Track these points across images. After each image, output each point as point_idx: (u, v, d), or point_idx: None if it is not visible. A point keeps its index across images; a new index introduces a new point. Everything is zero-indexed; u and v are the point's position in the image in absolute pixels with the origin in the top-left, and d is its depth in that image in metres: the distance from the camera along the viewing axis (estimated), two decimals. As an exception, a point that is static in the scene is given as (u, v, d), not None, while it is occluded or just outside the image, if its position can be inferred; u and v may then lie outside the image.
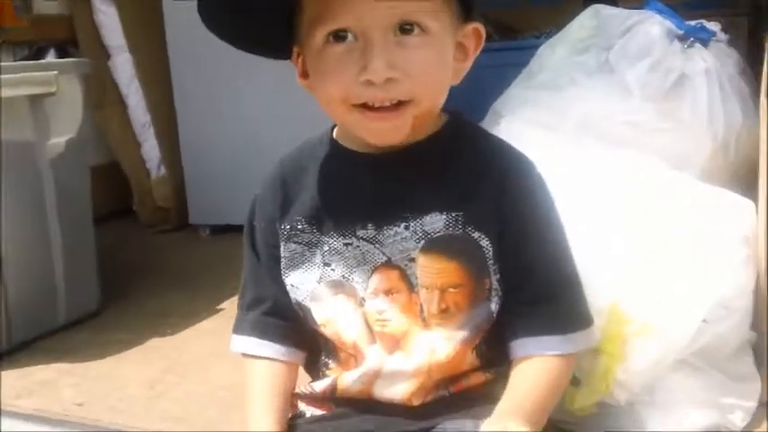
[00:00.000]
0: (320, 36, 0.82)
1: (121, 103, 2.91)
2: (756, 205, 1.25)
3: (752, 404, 1.18)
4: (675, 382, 1.11)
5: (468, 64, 0.91)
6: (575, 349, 0.89)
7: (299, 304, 0.93)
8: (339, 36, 0.81)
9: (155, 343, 1.75)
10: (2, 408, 1.44)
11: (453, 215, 0.86)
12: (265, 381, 0.95)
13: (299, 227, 0.92)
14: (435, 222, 0.86)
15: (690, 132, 1.51)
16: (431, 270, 0.87)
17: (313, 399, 0.94)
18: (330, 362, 0.95)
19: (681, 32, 1.60)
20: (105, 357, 1.67)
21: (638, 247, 1.15)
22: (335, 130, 0.95)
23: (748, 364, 1.23)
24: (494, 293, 0.88)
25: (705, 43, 1.62)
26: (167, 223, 2.90)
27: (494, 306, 0.88)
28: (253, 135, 2.63)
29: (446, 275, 0.87)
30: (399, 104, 0.82)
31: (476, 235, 0.87)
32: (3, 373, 1.61)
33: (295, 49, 0.89)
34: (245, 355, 0.98)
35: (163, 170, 2.91)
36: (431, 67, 0.83)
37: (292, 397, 0.96)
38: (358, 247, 0.89)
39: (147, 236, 2.86)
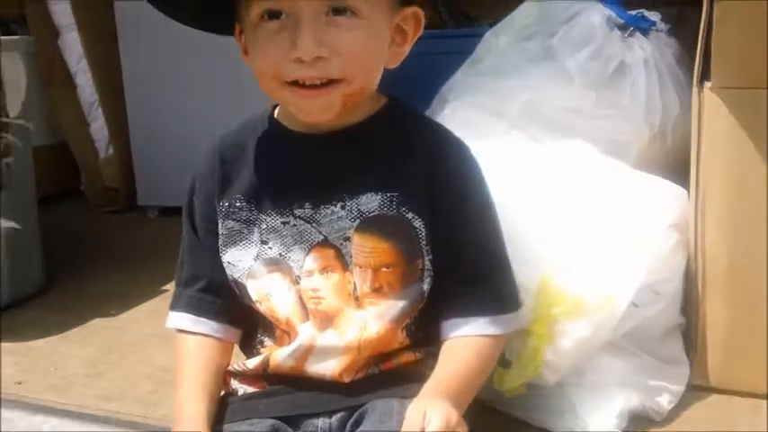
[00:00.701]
0: (255, 13, 0.83)
1: (70, 83, 2.86)
2: (689, 193, 1.28)
3: (679, 387, 1.22)
4: (604, 364, 1.14)
5: (407, 48, 0.92)
6: (503, 331, 0.91)
7: (235, 281, 0.94)
8: (273, 14, 0.82)
9: (97, 323, 1.73)
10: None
11: (388, 195, 0.88)
12: (198, 357, 0.96)
13: (238, 204, 0.93)
14: (370, 202, 0.88)
15: (628, 119, 1.54)
16: (365, 249, 0.89)
17: (246, 376, 0.95)
18: (266, 339, 0.96)
19: (621, 21, 1.63)
20: (47, 337, 1.66)
21: (571, 229, 1.18)
22: (276, 109, 0.96)
23: (677, 348, 1.27)
24: (426, 274, 0.90)
25: (645, 33, 1.65)
26: (115, 204, 2.86)
27: (425, 286, 0.90)
28: (202, 117, 2.60)
29: (380, 255, 0.88)
30: (330, 83, 0.83)
31: (409, 216, 0.88)
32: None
33: (237, 26, 0.90)
34: (179, 331, 0.98)
35: (111, 150, 2.87)
36: (361, 48, 0.84)
37: (225, 374, 0.97)
38: (295, 225, 0.90)
39: (95, 216, 2.81)
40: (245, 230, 0.93)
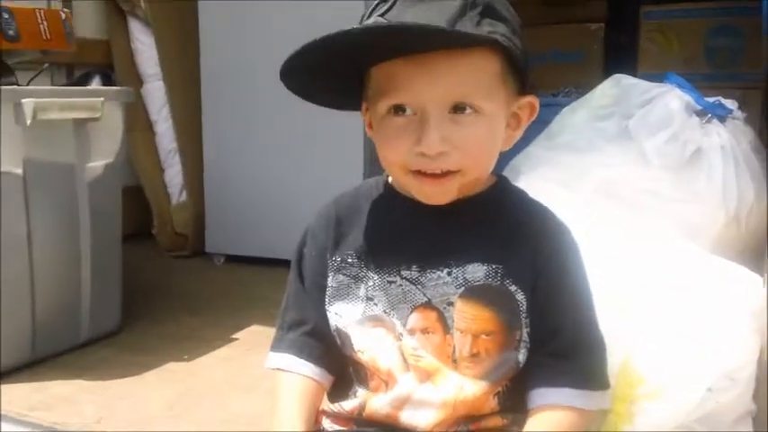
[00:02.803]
0: (383, 106, 0.90)
1: (150, 129, 3.00)
2: (764, 280, 1.31)
3: (747, 472, 1.23)
4: (678, 445, 1.16)
5: (520, 132, 0.99)
6: (591, 406, 0.94)
7: (338, 331, 0.99)
8: (400, 108, 0.89)
9: (172, 366, 1.80)
10: (15, 418, 1.50)
11: (493, 267, 0.93)
12: (298, 393, 1.00)
13: (350, 260, 0.99)
14: (476, 272, 0.93)
15: (704, 204, 1.57)
16: (467, 315, 0.93)
17: (338, 417, 0.99)
18: (359, 390, 1.00)
19: (699, 108, 1.68)
20: (124, 377, 1.73)
21: (650, 313, 1.21)
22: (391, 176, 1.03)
23: (747, 432, 1.28)
24: (522, 345, 0.94)
25: (722, 119, 1.69)
26: (184, 249, 2.97)
27: (521, 356, 0.94)
28: (275, 171, 2.71)
29: (481, 322, 0.93)
30: (448, 173, 0.90)
31: (512, 288, 0.93)
32: (21, 385, 1.67)
33: (364, 105, 0.98)
34: (279, 370, 1.03)
35: (184, 197, 2.98)
36: (480, 143, 0.91)
37: (318, 414, 1.01)
38: (401, 285, 0.96)
39: (164, 259, 2.93)
40: (354, 286, 0.99)
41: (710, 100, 1.71)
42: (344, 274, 0.99)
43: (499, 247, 0.94)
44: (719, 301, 1.26)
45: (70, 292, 1.86)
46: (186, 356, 1.85)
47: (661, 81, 1.78)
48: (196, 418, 1.52)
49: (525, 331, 0.94)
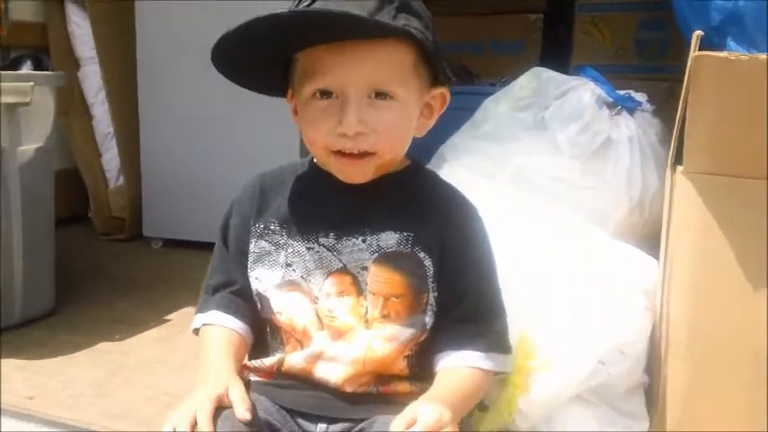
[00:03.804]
0: (308, 90, 0.99)
1: (87, 113, 3.00)
2: (659, 262, 1.41)
3: (639, 440, 1.33)
4: (571, 414, 1.25)
5: (433, 121, 1.09)
6: (494, 368, 1.03)
7: (259, 295, 1.07)
8: (325, 93, 0.98)
9: (103, 347, 1.84)
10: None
11: (405, 235, 1.02)
12: (225, 343, 1.05)
13: (272, 227, 1.07)
14: (389, 239, 1.02)
15: (610, 191, 1.67)
16: (379, 279, 1.02)
17: (260, 371, 1.06)
18: (278, 352, 1.07)
19: (610, 100, 1.77)
20: (56, 356, 1.76)
21: (550, 290, 1.30)
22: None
23: (639, 403, 1.37)
24: (429, 308, 1.03)
25: (631, 111, 1.79)
26: (121, 233, 2.98)
27: (428, 319, 1.03)
28: (212, 155, 2.74)
29: (391, 285, 1.02)
30: (366, 154, 0.99)
31: (421, 255, 1.02)
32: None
33: (290, 90, 1.06)
34: (205, 325, 1.08)
35: (121, 181, 2.99)
36: (395, 127, 1.00)
37: (242, 367, 1.07)
38: (318, 252, 1.04)
39: (100, 243, 2.94)
40: (274, 252, 1.06)
41: (621, 93, 1.80)
42: (266, 241, 1.07)
43: (411, 218, 1.03)
44: (615, 281, 1.36)
45: (2, 276, 1.88)
46: (118, 336, 1.89)
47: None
48: (123, 395, 1.57)
49: (432, 295, 1.03)
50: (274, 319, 1.06)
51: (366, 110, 0.97)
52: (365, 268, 1.02)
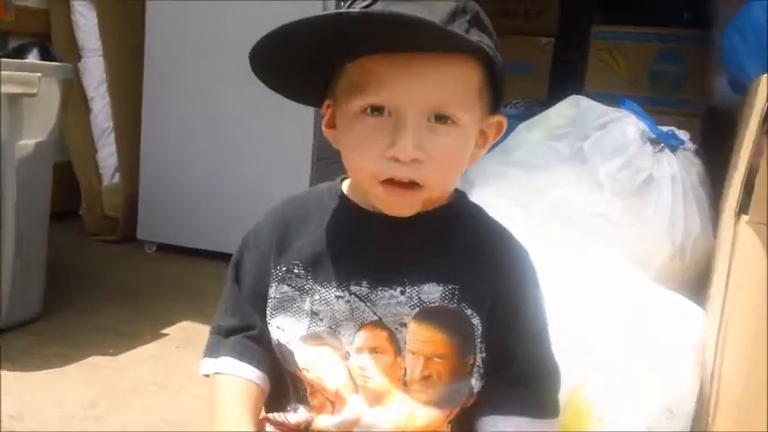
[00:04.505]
0: (357, 105, 0.84)
1: (85, 106, 2.88)
2: (705, 312, 1.32)
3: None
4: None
5: (485, 151, 0.95)
6: None
7: (280, 346, 0.94)
8: (375, 109, 0.84)
9: (95, 361, 1.71)
10: None
11: (450, 288, 0.89)
12: (241, 395, 0.93)
13: (296, 271, 0.93)
14: (432, 292, 0.89)
15: (651, 231, 1.58)
16: (420, 337, 0.89)
17: (283, 427, 0.94)
18: (300, 407, 0.94)
19: (653, 136, 1.69)
20: (44, 369, 1.63)
21: (597, 335, 1.20)
22: (345, 184, 0.98)
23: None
24: (476, 370, 0.91)
25: (674, 149, 1.71)
26: (112, 234, 2.85)
27: (474, 382, 0.91)
28: (217, 159, 2.63)
29: (433, 345, 0.89)
30: (414, 185, 0.85)
31: (469, 312, 0.89)
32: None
33: (327, 101, 0.92)
34: (217, 374, 0.96)
35: (116, 178, 2.87)
36: (453, 156, 0.87)
37: (261, 420, 0.95)
38: (348, 301, 0.90)
39: (90, 243, 2.80)
40: (298, 299, 0.93)
41: (664, 129, 1.72)
42: (289, 285, 0.94)
43: (455, 266, 0.90)
44: (664, 332, 1.26)
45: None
46: (111, 350, 1.76)
47: (607, 100, 1.79)
48: (119, 420, 1.44)
49: (479, 357, 0.90)
50: (299, 375, 0.93)
51: (424, 134, 0.83)
52: (404, 324, 0.89)
